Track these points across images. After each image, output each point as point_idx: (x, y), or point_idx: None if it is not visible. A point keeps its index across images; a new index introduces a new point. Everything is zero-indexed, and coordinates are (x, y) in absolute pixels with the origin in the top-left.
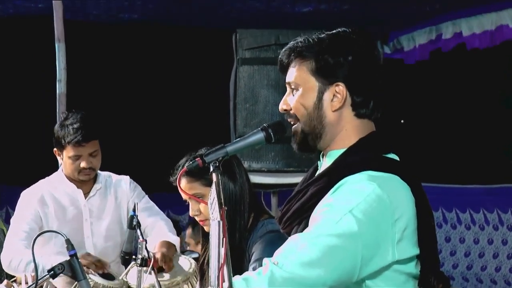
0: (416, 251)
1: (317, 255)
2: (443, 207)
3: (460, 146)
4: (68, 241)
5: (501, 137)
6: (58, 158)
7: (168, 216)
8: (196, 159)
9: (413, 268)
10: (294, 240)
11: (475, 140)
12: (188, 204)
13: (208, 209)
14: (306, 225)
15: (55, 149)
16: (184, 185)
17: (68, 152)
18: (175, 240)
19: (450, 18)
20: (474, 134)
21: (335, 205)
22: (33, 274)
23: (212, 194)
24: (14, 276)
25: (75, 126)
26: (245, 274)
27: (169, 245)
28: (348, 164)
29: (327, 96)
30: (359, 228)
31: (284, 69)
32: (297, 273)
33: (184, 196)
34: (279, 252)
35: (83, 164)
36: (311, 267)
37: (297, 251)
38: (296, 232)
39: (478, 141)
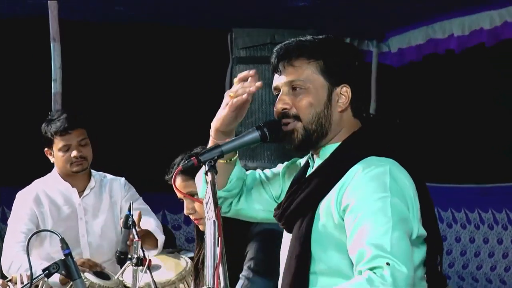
0: (424, 232)
1: (406, 248)
2: (439, 207)
3: (455, 146)
4: (62, 240)
5: (495, 136)
6: (50, 158)
7: (164, 215)
8: (192, 158)
9: (423, 252)
10: (381, 241)
11: (470, 139)
12: (183, 202)
13: (204, 208)
14: (312, 217)
15: (46, 149)
16: (179, 183)
17: (57, 144)
18: (161, 238)
19: (447, 18)
20: (468, 133)
21: (372, 196)
22: (28, 273)
23: (208, 193)
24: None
25: (60, 117)
26: (368, 273)
27: (149, 232)
28: (349, 153)
29: (334, 96)
30: (406, 207)
31: (278, 69)
32: (409, 269)
33: (179, 195)
34: (378, 256)
35: (73, 154)
36: (409, 261)
37: (395, 249)
38: (300, 225)
39: (473, 140)
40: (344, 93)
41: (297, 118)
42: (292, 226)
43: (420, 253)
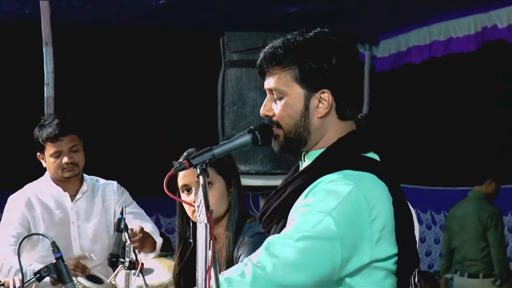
0: (394, 249)
1: (298, 258)
2: (432, 209)
3: (445, 149)
4: (53, 244)
5: (485, 139)
6: (42, 162)
7: (157, 219)
8: (183, 161)
9: (392, 264)
10: (275, 242)
11: (460, 142)
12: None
13: (195, 211)
14: (285, 224)
15: (38, 153)
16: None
17: (49, 150)
18: (159, 241)
19: (440, 20)
20: (458, 136)
21: (314, 206)
22: (20, 277)
23: (199, 196)
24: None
25: (52, 123)
26: (227, 274)
27: (148, 234)
28: (326, 163)
29: (312, 103)
30: (338, 230)
31: (264, 74)
32: (279, 275)
33: (186, 181)
34: (260, 253)
35: (64, 160)
36: (292, 270)
37: (279, 254)
38: (275, 231)
39: (462, 143)
40: (324, 98)
41: (279, 126)
42: (269, 230)
43: (386, 267)
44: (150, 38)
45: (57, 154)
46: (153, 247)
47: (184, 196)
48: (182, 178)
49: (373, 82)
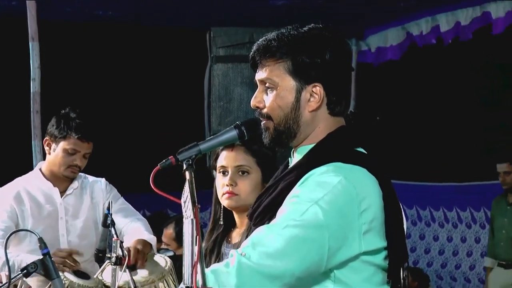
0: (383, 243)
1: (284, 246)
2: (417, 205)
3: (433, 144)
4: (41, 240)
5: (473, 135)
6: (46, 149)
7: (144, 215)
8: (170, 157)
9: (381, 260)
10: (261, 231)
11: (447, 137)
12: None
13: (182, 207)
14: None
15: (47, 137)
16: (235, 151)
17: (68, 144)
18: (151, 238)
19: (425, 15)
20: (446, 131)
21: (302, 196)
22: (7, 273)
23: (185, 192)
24: None
25: (85, 123)
26: (213, 266)
27: (144, 243)
28: (317, 157)
29: (304, 96)
30: (325, 219)
31: (257, 66)
32: (264, 264)
33: (225, 163)
34: (246, 243)
35: (76, 162)
36: (278, 258)
37: (264, 242)
38: None
39: (450, 138)
40: (315, 92)
41: (269, 117)
42: None
43: (375, 262)
44: (136, 33)
45: (73, 152)
46: (150, 249)
47: (220, 177)
48: (223, 159)
49: (360, 77)
